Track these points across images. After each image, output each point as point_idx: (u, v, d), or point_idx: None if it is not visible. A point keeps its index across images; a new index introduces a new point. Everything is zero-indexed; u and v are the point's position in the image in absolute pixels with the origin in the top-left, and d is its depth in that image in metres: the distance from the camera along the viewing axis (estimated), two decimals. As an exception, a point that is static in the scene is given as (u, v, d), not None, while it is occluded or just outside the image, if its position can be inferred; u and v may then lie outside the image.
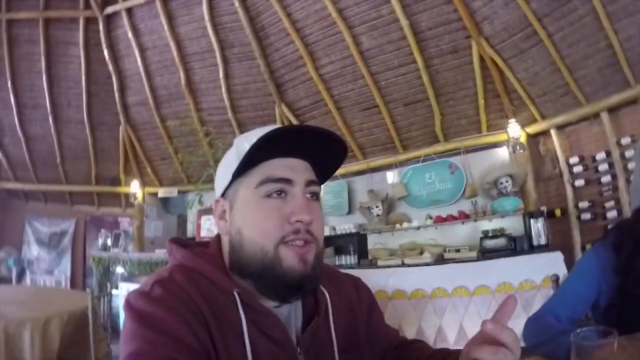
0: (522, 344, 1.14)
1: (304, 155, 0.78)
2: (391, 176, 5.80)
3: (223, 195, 0.81)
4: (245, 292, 0.74)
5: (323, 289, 0.85)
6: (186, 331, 0.65)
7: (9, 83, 6.72)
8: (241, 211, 0.77)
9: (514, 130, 4.86)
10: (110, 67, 6.56)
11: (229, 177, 0.77)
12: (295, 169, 0.76)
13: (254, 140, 0.72)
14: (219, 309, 0.72)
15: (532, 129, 5.08)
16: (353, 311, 0.91)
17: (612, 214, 4.49)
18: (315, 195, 0.79)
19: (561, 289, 1.42)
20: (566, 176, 4.84)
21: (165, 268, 0.77)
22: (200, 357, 0.66)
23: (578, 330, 0.75)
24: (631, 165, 4.34)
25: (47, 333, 2.37)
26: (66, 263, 8.30)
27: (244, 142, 0.75)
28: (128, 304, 0.68)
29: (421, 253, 4.98)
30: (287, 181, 0.74)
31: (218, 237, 0.84)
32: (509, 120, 4.94)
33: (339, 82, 5.72)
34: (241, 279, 0.76)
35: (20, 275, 7.48)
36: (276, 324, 0.75)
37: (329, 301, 0.85)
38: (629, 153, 4.37)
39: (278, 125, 0.77)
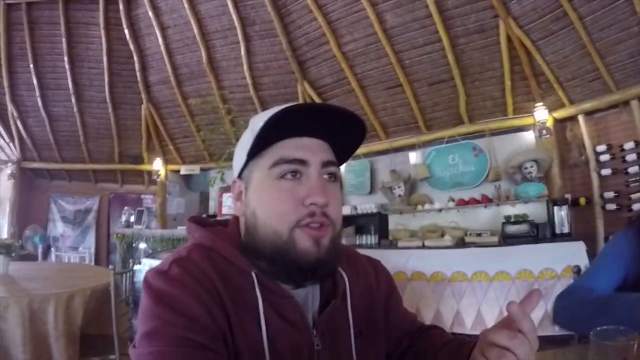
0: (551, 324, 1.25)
1: (321, 134, 0.77)
2: (414, 157, 5.80)
3: (239, 175, 0.81)
4: (262, 273, 0.74)
5: (342, 272, 0.85)
6: (202, 312, 0.66)
7: (31, 65, 6.88)
8: (255, 193, 0.77)
9: (541, 114, 4.83)
10: (131, 47, 6.66)
11: (245, 158, 0.77)
12: (311, 149, 0.75)
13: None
14: (236, 289, 0.73)
15: (560, 114, 5.03)
16: (371, 295, 0.91)
17: (637, 206, 4.47)
18: (333, 176, 0.78)
19: (593, 266, 1.42)
20: (592, 164, 4.81)
21: (184, 247, 0.78)
22: (215, 337, 0.67)
23: (598, 328, 0.76)
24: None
25: (70, 308, 2.45)
26: (90, 240, 8.61)
27: (259, 122, 0.74)
28: (146, 282, 0.70)
29: (442, 236, 5.05)
30: (302, 162, 0.74)
31: (237, 217, 0.84)
32: (536, 104, 4.91)
33: (362, 60, 5.71)
34: (257, 261, 0.76)
35: (46, 252, 7.81)
36: (293, 305, 0.76)
37: (347, 284, 0.85)
38: (659, 144, 4.33)
39: (296, 103, 0.75)
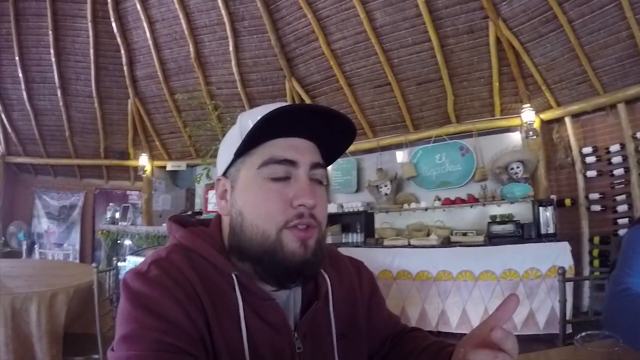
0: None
1: (310, 135, 0.76)
2: (401, 155, 5.84)
3: (225, 174, 0.79)
4: (243, 275, 0.73)
5: (324, 274, 0.84)
6: (181, 315, 0.65)
7: (17, 58, 6.81)
8: (243, 192, 0.75)
9: (528, 115, 4.87)
10: (119, 40, 6.60)
11: (231, 156, 0.76)
12: (300, 150, 0.75)
13: (258, 117, 0.70)
14: (216, 291, 0.72)
15: (547, 115, 5.09)
16: (354, 296, 0.91)
17: (622, 208, 4.54)
18: (320, 178, 0.77)
19: (628, 264, 1.31)
20: (578, 166, 4.86)
21: (164, 247, 0.77)
22: (194, 341, 0.66)
23: (583, 334, 0.77)
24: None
25: (53, 307, 2.42)
26: (75, 236, 8.53)
27: (248, 120, 0.74)
28: (125, 284, 0.68)
29: (428, 234, 5.08)
30: (291, 163, 0.73)
31: (219, 217, 0.82)
32: (523, 105, 4.95)
33: (351, 58, 5.71)
34: (240, 262, 0.75)
35: (30, 249, 7.71)
36: (274, 308, 0.75)
37: (329, 286, 0.85)
38: (644, 147, 4.40)
39: (285, 102, 0.74)
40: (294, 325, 0.79)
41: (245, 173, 0.75)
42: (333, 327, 0.83)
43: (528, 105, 4.94)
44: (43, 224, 8.57)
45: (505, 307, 0.63)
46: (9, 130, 7.69)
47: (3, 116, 7.42)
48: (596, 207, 4.72)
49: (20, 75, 6.97)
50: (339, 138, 0.79)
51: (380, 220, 5.82)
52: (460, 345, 0.67)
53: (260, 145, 0.74)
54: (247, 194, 0.74)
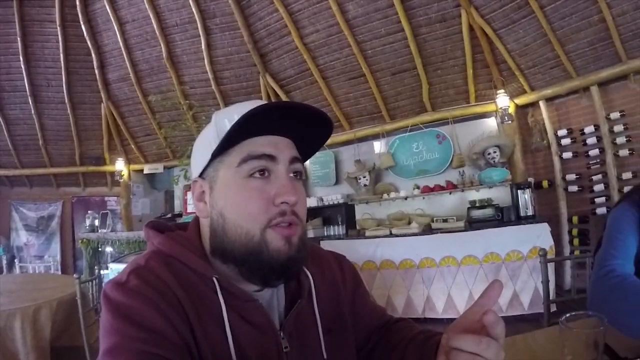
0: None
1: (287, 132, 0.76)
2: (378, 146, 5.87)
3: (201, 175, 0.77)
4: (224, 278, 0.73)
5: (306, 271, 0.84)
6: (164, 324, 0.65)
7: (-15, 67, 6.65)
8: (222, 193, 0.73)
9: (503, 101, 4.90)
10: (89, 44, 6.49)
11: (208, 157, 0.74)
12: (278, 146, 0.74)
13: (235, 117, 0.69)
14: (198, 296, 0.71)
15: (521, 100, 5.16)
16: (337, 291, 0.91)
17: (599, 187, 4.63)
18: (299, 174, 0.77)
19: (612, 244, 1.30)
20: (554, 148, 4.95)
21: (142, 255, 0.76)
22: (179, 349, 0.65)
23: (568, 315, 0.77)
24: (620, 140, 4.48)
25: (37, 322, 2.41)
26: (56, 247, 8.35)
27: (224, 119, 0.73)
28: (105, 296, 0.68)
29: (409, 223, 5.09)
30: (270, 157, 0.72)
31: (197, 220, 0.81)
32: (498, 91, 4.99)
33: (324, 51, 5.70)
34: (223, 264, 0.74)
35: (11, 263, 7.52)
36: (257, 308, 0.75)
37: (312, 283, 0.84)
38: (617, 127, 4.49)
39: (260, 100, 0.76)
40: (279, 324, 0.78)
41: (225, 173, 0.73)
42: (319, 324, 0.83)
43: (502, 90, 4.97)
44: (22, 236, 8.36)
45: (488, 293, 0.62)
46: (-19, 142, 7.49)
47: (-26, 128, 7.22)
48: (573, 188, 4.80)
49: (-10, 84, 6.80)
50: (315, 133, 0.79)
51: (360, 212, 5.82)
52: (446, 332, 0.66)
53: (237, 144, 0.72)
54: (228, 194, 0.73)
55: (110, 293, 0.67)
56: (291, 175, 0.75)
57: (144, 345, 0.61)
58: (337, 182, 6.19)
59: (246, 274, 0.72)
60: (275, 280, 0.73)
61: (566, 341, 0.75)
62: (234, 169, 0.72)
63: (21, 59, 6.58)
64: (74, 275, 2.81)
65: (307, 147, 0.80)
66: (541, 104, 5.02)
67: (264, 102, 0.72)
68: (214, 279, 0.71)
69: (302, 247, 0.74)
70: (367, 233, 5.03)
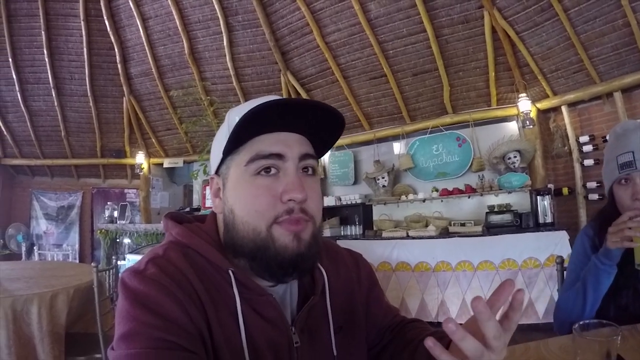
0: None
1: (299, 128, 0.76)
2: (398, 147, 5.92)
3: (217, 172, 0.81)
4: (240, 271, 0.74)
5: (321, 268, 0.86)
6: (179, 312, 0.66)
7: (10, 59, 6.86)
8: (232, 190, 0.76)
9: (524, 105, 4.91)
10: (112, 38, 6.65)
11: (220, 155, 0.77)
12: (288, 143, 0.74)
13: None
14: (214, 288, 0.73)
15: (543, 104, 5.13)
16: (352, 289, 0.92)
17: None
18: (312, 170, 0.77)
19: (567, 273, 1.52)
20: (575, 154, 4.92)
21: (161, 245, 0.78)
22: (193, 338, 0.67)
23: (581, 322, 0.79)
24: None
25: (54, 308, 2.44)
26: (74, 236, 8.62)
27: (235, 116, 0.73)
28: (123, 283, 0.69)
29: (426, 226, 5.13)
30: (278, 156, 0.73)
31: (215, 213, 0.83)
32: (520, 95, 5.00)
33: (345, 50, 5.75)
34: (235, 259, 0.76)
35: (30, 250, 7.79)
36: (270, 303, 0.76)
37: (326, 280, 0.86)
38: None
39: (273, 96, 0.74)
40: (292, 319, 0.80)
41: (235, 170, 0.76)
42: (330, 321, 0.84)
43: (524, 94, 4.99)
44: (41, 225, 8.65)
45: (500, 292, 0.60)
46: (5, 132, 7.77)
47: (-2, 118, 7.50)
48: (594, 196, 4.77)
49: (14, 76, 7.03)
50: (327, 129, 0.79)
51: (378, 212, 5.88)
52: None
53: (247, 142, 0.74)
54: (237, 191, 0.75)
55: (127, 280, 0.69)
56: (301, 171, 0.75)
57: (159, 332, 0.63)
58: (356, 182, 6.24)
59: (256, 269, 0.74)
60: (284, 276, 0.74)
61: (579, 349, 0.76)
62: (242, 168, 0.74)
63: (45, 52, 6.78)
64: (92, 264, 2.86)
65: (321, 142, 0.81)
66: (563, 109, 5.00)
67: (275, 97, 0.73)
68: (230, 271, 0.74)
69: (314, 244, 0.74)
70: (384, 234, 5.10)
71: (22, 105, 7.33)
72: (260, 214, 0.71)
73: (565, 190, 4.92)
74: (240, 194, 0.74)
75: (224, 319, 0.72)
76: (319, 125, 0.77)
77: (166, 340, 0.63)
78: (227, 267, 0.74)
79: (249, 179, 0.73)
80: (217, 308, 0.71)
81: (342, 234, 5.73)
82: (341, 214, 6.01)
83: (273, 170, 0.73)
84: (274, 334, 0.75)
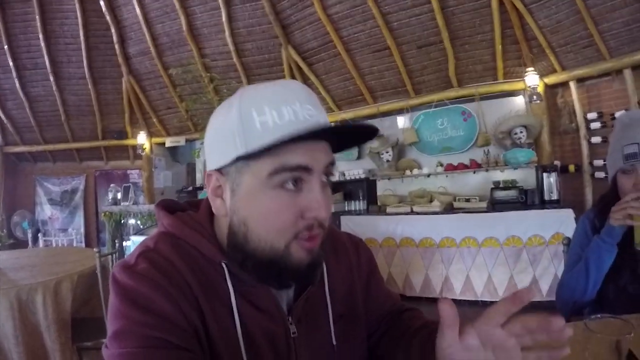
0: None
1: (327, 137, 0.72)
2: (402, 121, 5.95)
3: (220, 169, 0.74)
4: (233, 263, 0.73)
5: None
6: (171, 308, 0.66)
7: (6, 46, 6.93)
8: (247, 201, 0.70)
9: (532, 79, 4.92)
10: (108, 18, 6.67)
11: (230, 155, 0.69)
12: (315, 154, 0.69)
13: (265, 109, 0.67)
14: (207, 281, 0.72)
15: (551, 79, 5.12)
16: (352, 276, 0.92)
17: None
18: (330, 176, 0.74)
19: (569, 255, 1.65)
20: (583, 131, 4.95)
21: (151, 236, 0.77)
22: (187, 334, 0.66)
23: (592, 316, 0.81)
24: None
25: (58, 295, 2.50)
26: (79, 220, 8.81)
27: (251, 110, 0.68)
28: (113, 278, 0.69)
29: (431, 201, 5.22)
30: (305, 169, 0.68)
31: (209, 202, 0.79)
32: (527, 69, 5.00)
33: (348, 22, 5.74)
34: (238, 266, 0.74)
35: (35, 237, 7.96)
36: (265, 294, 0.76)
37: (324, 269, 0.85)
38: (651, 113, 4.46)
39: (290, 81, 0.72)
40: (288, 309, 0.80)
41: (251, 180, 0.69)
42: (329, 309, 0.84)
43: (532, 69, 4.99)
44: (46, 210, 8.85)
45: (515, 298, 0.57)
46: (5, 120, 7.90)
47: (-3, 107, 7.64)
48: (600, 174, 4.75)
49: (11, 63, 7.10)
50: (357, 138, 0.79)
51: (382, 188, 5.99)
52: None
53: (269, 150, 0.66)
54: (254, 204, 0.70)
55: (118, 276, 0.69)
56: (323, 179, 0.72)
57: (150, 330, 0.63)
58: (360, 157, 6.31)
59: (263, 279, 0.73)
60: (294, 284, 0.76)
61: (588, 344, 0.77)
62: (263, 179, 0.68)
63: (40, 37, 6.84)
64: (94, 249, 2.95)
65: (342, 142, 0.77)
66: (571, 84, 4.99)
67: (295, 83, 0.72)
68: (223, 264, 0.73)
69: (321, 250, 0.74)
70: (388, 210, 5.19)
71: (20, 92, 7.42)
72: (280, 232, 0.69)
73: (571, 168, 4.95)
74: (257, 207, 0.69)
75: (219, 312, 0.72)
76: (352, 137, 0.76)
77: (158, 338, 0.64)
78: (220, 259, 0.74)
79: (269, 192, 0.68)
80: (211, 302, 0.71)
81: (346, 209, 5.83)
82: (345, 189, 6.08)
83: (297, 184, 0.69)
84: (270, 325, 0.76)
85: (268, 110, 0.67)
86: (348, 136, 0.76)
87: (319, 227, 0.70)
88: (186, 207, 0.85)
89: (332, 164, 0.73)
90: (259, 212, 0.69)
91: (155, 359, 0.63)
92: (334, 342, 0.84)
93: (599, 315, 0.81)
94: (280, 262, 0.69)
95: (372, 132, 0.74)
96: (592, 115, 4.90)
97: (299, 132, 0.63)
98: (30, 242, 7.28)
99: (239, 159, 0.69)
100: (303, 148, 0.68)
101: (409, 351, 0.84)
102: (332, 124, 0.70)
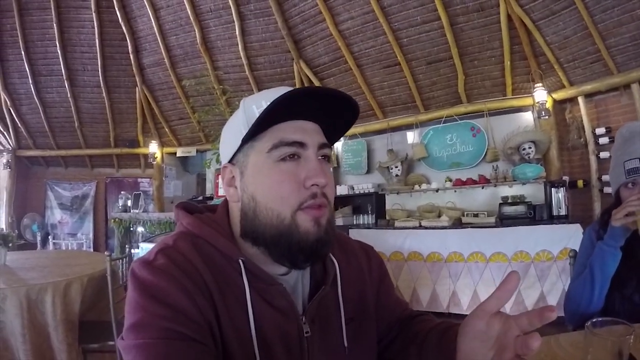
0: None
1: (315, 117, 0.79)
2: (411, 136, 6.00)
3: (231, 161, 0.82)
4: (250, 260, 0.76)
5: (332, 258, 0.88)
6: (188, 303, 0.68)
7: (23, 52, 7.11)
8: (253, 177, 0.77)
9: (540, 95, 4.95)
10: (124, 29, 6.83)
11: (238, 143, 0.78)
12: (307, 131, 0.77)
13: (262, 103, 0.75)
14: (224, 278, 0.75)
15: (559, 95, 5.16)
16: (363, 281, 0.94)
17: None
18: (327, 158, 0.81)
19: (575, 266, 1.65)
20: (591, 147, 4.95)
21: (171, 235, 0.80)
22: (202, 329, 0.69)
23: (594, 320, 0.80)
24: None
25: (67, 297, 2.51)
26: (88, 225, 8.90)
27: (252, 106, 0.78)
28: (132, 273, 0.72)
29: (439, 216, 5.22)
30: (301, 144, 0.76)
31: (225, 203, 0.85)
32: (535, 85, 5.03)
33: (359, 38, 5.81)
34: (253, 246, 0.78)
35: (45, 240, 8.08)
36: (281, 292, 0.78)
37: (337, 270, 0.88)
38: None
39: (287, 87, 0.78)
40: (302, 309, 0.82)
41: (255, 158, 0.77)
42: (342, 311, 0.86)
43: (540, 84, 5.02)
44: (56, 214, 8.94)
45: (506, 286, 0.66)
46: (19, 124, 8.06)
47: (12, 111, 7.79)
48: (609, 189, 4.68)
49: (27, 69, 7.28)
50: (342, 117, 0.83)
51: (391, 202, 5.99)
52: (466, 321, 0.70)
53: (267, 129, 0.76)
54: (259, 178, 0.76)
55: (137, 271, 0.71)
56: (320, 158, 0.78)
57: (167, 322, 0.66)
58: (369, 171, 6.35)
59: (275, 256, 0.76)
60: (303, 262, 0.77)
61: (590, 347, 0.77)
62: (265, 154, 0.76)
63: (57, 44, 7.00)
64: (106, 252, 2.89)
65: (334, 131, 0.84)
66: (580, 100, 5.01)
67: (290, 88, 0.76)
68: (240, 260, 0.76)
69: (330, 230, 0.78)
70: (397, 224, 5.18)
71: (35, 97, 7.58)
72: (285, 200, 0.74)
73: (580, 183, 4.93)
74: (263, 180, 0.76)
75: (233, 309, 0.74)
76: (335, 113, 0.80)
77: (175, 330, 0.66)
78: (238, 256, 0.77)
79: (272, 165, 0.75)
80: (226, 298, 0.74)
81: (355, 223, 5.84)
82: (354, 203, 6.12)
83: (295, 157, 0.76)
84: (284, 323, 0.77)
85: (265, 103, 0.74)
86: (335, 116, 0.81)
87: (322, 196, 0.76)
88: (203, 210, 0.89)
89: (325, 145, 0.80)
90: (265, 185, 0.76)
91: (171, 350, 0.65)
92: (346, 344, 0.86)
93: (600, 319, 0.81)
94: (288, 233, 0.74)
95: (352, 106, 0.80)
96: (600, 130, 4.90)
97: (284, 96, 0.71)
98: (39, 245, 7.33)
99: (244, 142, 0.78)
100: (296, 126, 0.77)
101: (421, 353, 0.87)
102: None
